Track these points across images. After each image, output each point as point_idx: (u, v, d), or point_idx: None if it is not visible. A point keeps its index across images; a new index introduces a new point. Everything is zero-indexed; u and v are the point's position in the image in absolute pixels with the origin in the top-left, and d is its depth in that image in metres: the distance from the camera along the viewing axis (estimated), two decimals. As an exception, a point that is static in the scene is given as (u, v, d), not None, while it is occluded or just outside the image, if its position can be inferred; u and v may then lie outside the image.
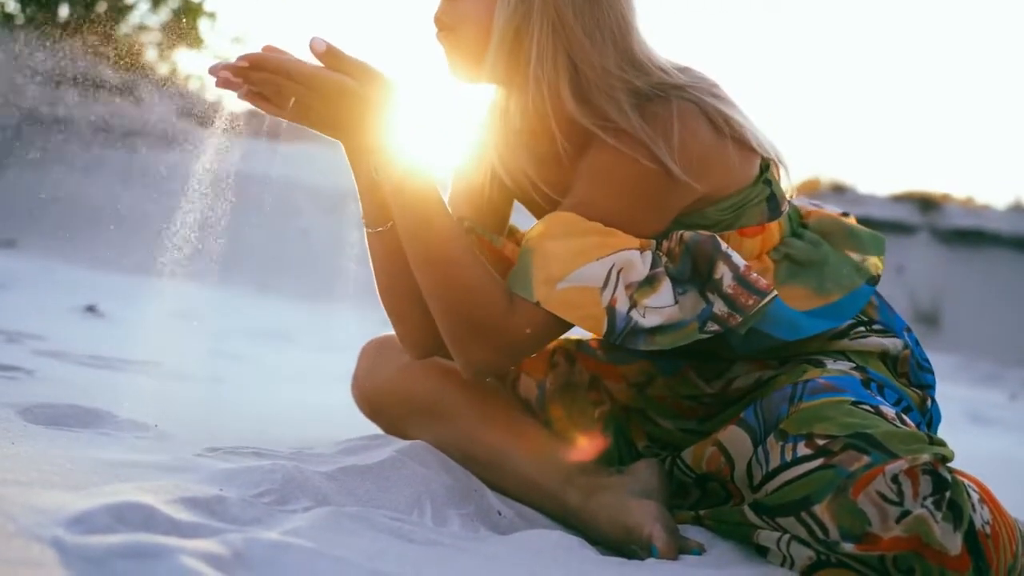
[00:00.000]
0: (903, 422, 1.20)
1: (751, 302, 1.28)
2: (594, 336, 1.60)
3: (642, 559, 1.23)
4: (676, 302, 1.29)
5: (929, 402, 1.45)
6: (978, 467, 1.38)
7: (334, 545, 1.03)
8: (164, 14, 16.52)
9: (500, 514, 1.37)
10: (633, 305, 1.28)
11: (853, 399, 1.22)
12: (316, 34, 1.27)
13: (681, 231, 1.34)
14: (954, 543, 1.10)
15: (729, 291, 1.29)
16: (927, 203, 13.25)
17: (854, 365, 1.38)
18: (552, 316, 1.30)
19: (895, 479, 1.10)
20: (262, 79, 1.26)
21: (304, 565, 0.94)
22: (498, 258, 1.49)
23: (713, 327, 1.28)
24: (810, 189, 12.56)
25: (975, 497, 1.16)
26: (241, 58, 1.26)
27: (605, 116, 1.33)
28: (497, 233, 1.55)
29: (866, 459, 1.12)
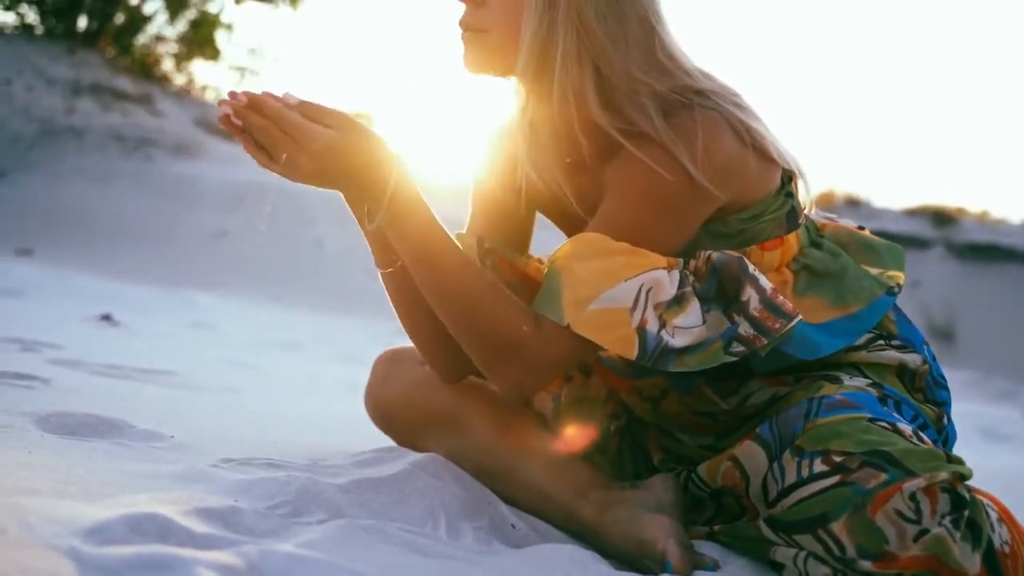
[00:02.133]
0: (920, 439, 1.19)
1: (777, 325, 1.28)
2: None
3: (656, 574, 1.23)
4: (704, 322, 1.29)
5: (945, 419, 1.45)
6: (992, 484, 1.37)
7: (348, 558, 1.03)
8: (181, 25, 16.60)
9: (514, 527, 1.36)
10: (663, 325, 1.28)
11: (870, 416, 1.21)
12: (288, 91, 1.29)
13: (708, 251, 1.34)
14: (973, 563, 1.09)
15: (756, 313, 1.29)
16: (942, 217, 13.21)
17: (870, 382, 1.37)
18: (581, 339, 1.30)
19: (913, 497, 1.10)
20: (259, 125, 1.26)
21: (319, 578, 0.94)
22: (520, 277, 1.49)
23: (739, 348, 1.28)
24: (824, 202, 12.53)
25: (993, 516, 1.16)
26: (243, 94, 1.27)
27: (630, 121, 1.33)
28: (519, 251, 1.55)
29: (883, 476, 1.11)
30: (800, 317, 1.30)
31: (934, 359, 1.49)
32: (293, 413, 2.44)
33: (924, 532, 1.08)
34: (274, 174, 1.31)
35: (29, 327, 3.54)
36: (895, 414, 1.29)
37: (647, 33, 1.35)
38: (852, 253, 1.51)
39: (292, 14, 16.44)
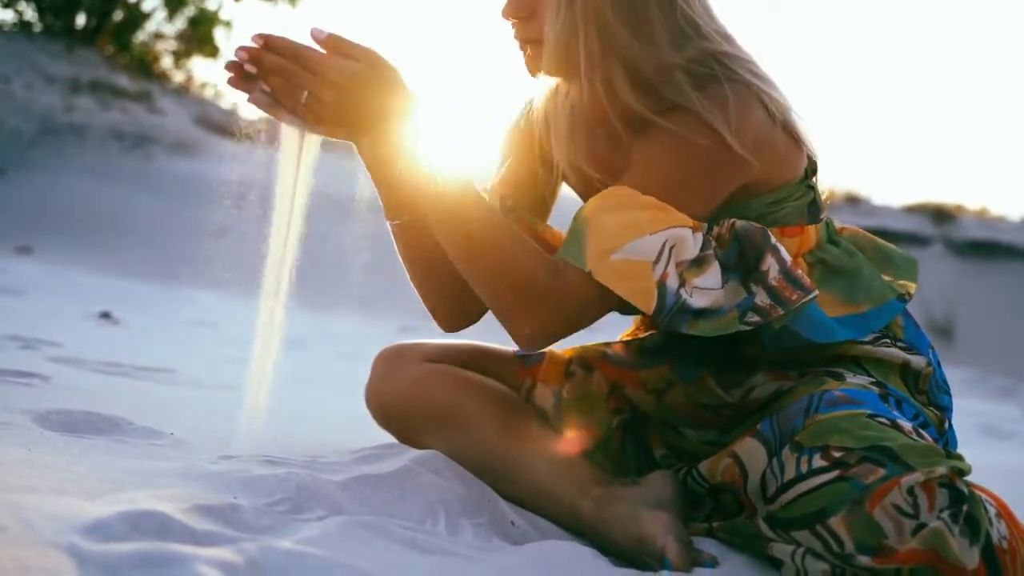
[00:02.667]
0: (920, 436, 1.19)
1: (794, 296, 1.28)
2: (636, 325, 1.63)
3: (656, 571, 1.23)
4: (723, 286, 1.30)
5: (946, 424, 1.45)
6: (992, 481, 1.37)
7: (348, 554, 1.03)
8: (180, 22, 16.60)
9: (513, 524, 1.37)
10: (683, 283, 1.28)
11: (870, 412, 1.21)
12: (316, 24, 1.28)
13: (733, 220, 1.35)
14: (971, 557, 1.09)
15: (774, 283, 1.29)
16: (941, 214, 13.21)
17: (873, 380, 1.37)
18: (602, 288, 1.30)
19: (911, 491, 1.10)
20: (277, 65, 1.25)
21: (318, 574, 0.94)
22: (539, 241, 1.51)
23: (754, 318, 1.28)
24: (824, 200, 12.53)
25: (992, 511, 1.16)
26: (255, 36, 1.26)
27: (662, 99, 1.35)
28: (539, 217, 1.58)
29: (882, 472, 1.12)
30: (817, 292, 1.30)
31: (939, 364, 1.49)
32: (293, 410, 2.44)
33: (922, 526, 1.09)
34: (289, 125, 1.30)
35: (29, 325, 3.55)
36: (895, 411, 1.29)
37: (667, 9, 1.36)
38: (867, 258, 1.51)
39: (291, 11, 16.43)
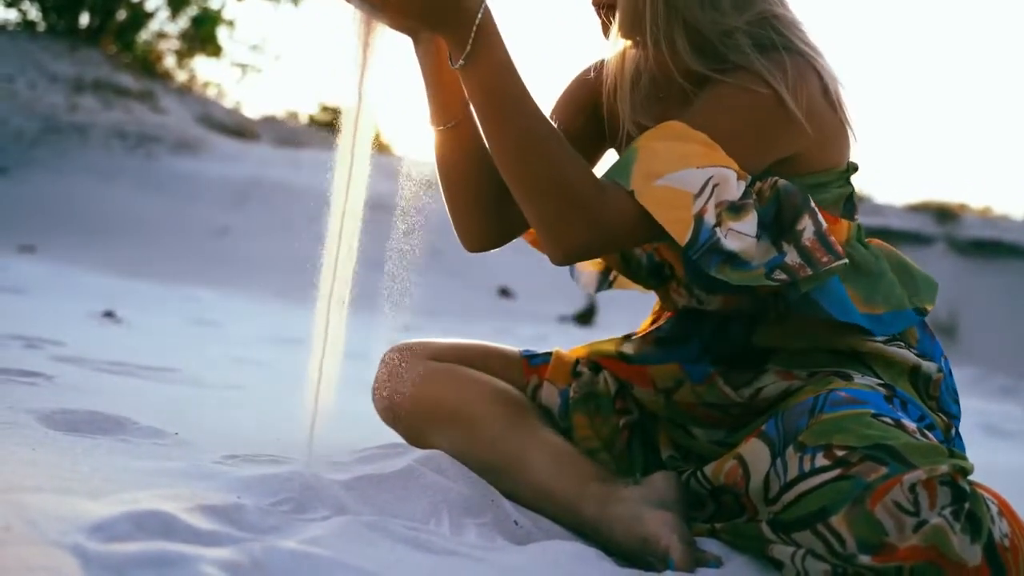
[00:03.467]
0: (924, 436, 1.19)
1: (825, 259, 1.29)
2: (653, 315, 1.63)
3: (659, 571, 1.23)
4: (758, 237, 1.31)
5: (953, 431, 1.45)
6: (995, 480, 1.37)
7: (352, 554, 1.03)
8: (183, 22, 16.61)
9: (517, 524, 1.37)
10: (719, 223, 1.29)
11: (874, 411, 1.21)
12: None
13: (776, 178, 1.36)
14: (973, 555, 1.09)
15: (807, 243, 1.30)
16: (944, 213, 13.21)
17: (881, 382, 1.37)
18: (642, 212, 1.31)
19: (912, 489, 1.10)
20: None
21: (322, 574, 0.94)
22: None
23: (781, 276, 1.29)
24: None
25: (994, 510, 1.16)
26: None
27: (724, 60, 1.39)
28: None
29: (884, 470, 1.12)
30: (847, 260, 1.32)
31: (950, 374, 1.49)
32: (296, 410, 2.44)
33: (923, 523, 1.08)
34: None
35: (32, 324, 3.55)
36: (900, 412, 1.29)
37: None
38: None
39: (294, 10, 16.44)
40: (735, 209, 1.31)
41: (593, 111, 1.61)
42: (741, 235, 1.29)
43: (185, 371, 2.85)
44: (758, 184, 1.36)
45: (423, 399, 1.57)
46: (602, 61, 1.60)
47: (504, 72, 1.33)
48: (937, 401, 1.44)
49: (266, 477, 1.26)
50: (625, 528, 1.32)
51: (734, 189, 1.31)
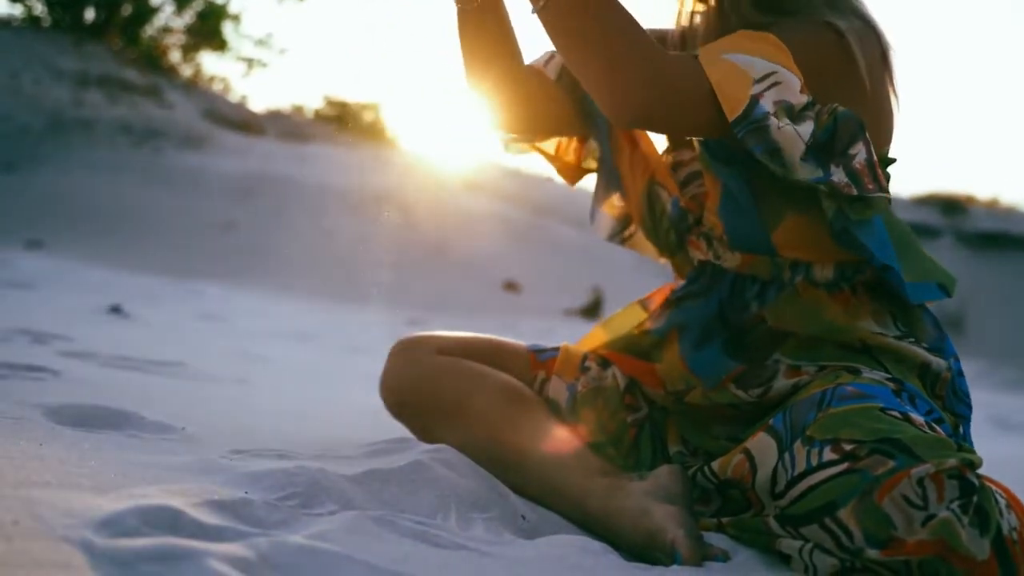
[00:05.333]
0: (932, 429, 1.19)
1: (871, 186, 1.29)
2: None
3: (666, 565, 1.23)
4: (807, 145, 1.29)
5: (961, 429, 1.44)
6: (1003, 473, 1.37)
7: (359, 549, 1.03)
8: (188, 16, 16.61)
9: (524, 518, 1.37)
10: (774, 113, 1.29)
11: (882, 405, 1.21)
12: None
13: (835, 104, 1.34)
14: (981, 548, 1.09)
15: (856, 167, 1.30)
16: (951, 206, 13.19)
17: (889, 376, 1.37)
18: (700, 81, 1.31)
19: (920, 483, 1.09)
20: None
21: (330, 569, 0.94)
22: None
23: (824, 189, 1.29)
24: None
25: (1002, 503, 1.16)
26: None
27: (789, 11, 1.42)
28: None
29: (891, 464, 1.11)
30: (891, 197, 1.33)
31: (960, 374, 1.48)
32: (303, 404, 2.45)
33: (931, 517, 1.08)
34: None
35: (39, 319, 3.56)
36: (908, 406, 1.28)
37: None
38: None
39: (299, 4, 16.45)
40: (792, 111, 1.30)
41: None
42: (793, 130, 1.28)
43: (192, 366, 2.86)
44: (817, 107, 1.35)
45: (430, 393, 1.57)
46: (664, 32, 1.62)
47: None
48: (943, 401, 1.43)
49: (273, 472, 1.26)
50: (631, 522, 1.32)
51: (796, 93, 1.31)
